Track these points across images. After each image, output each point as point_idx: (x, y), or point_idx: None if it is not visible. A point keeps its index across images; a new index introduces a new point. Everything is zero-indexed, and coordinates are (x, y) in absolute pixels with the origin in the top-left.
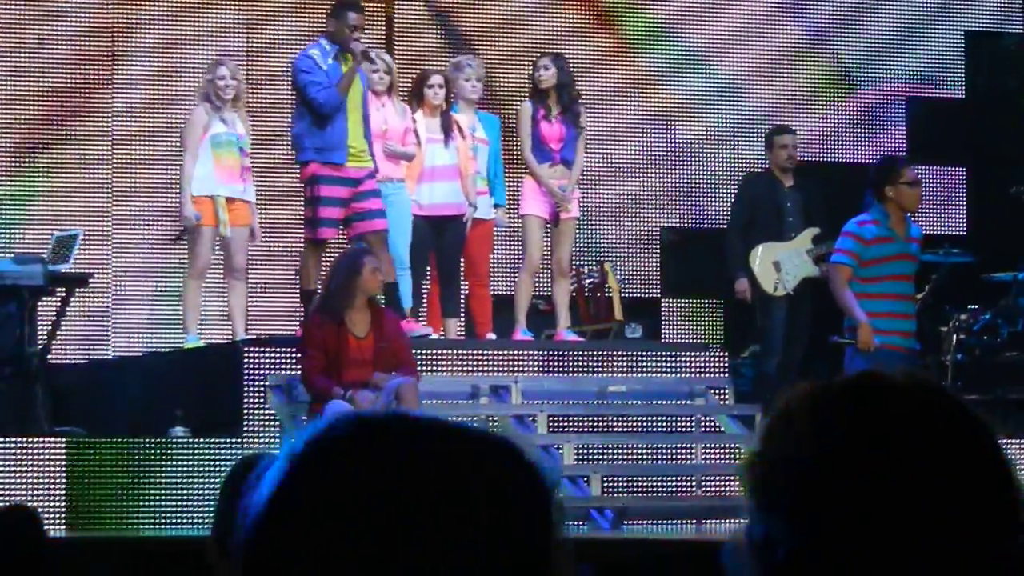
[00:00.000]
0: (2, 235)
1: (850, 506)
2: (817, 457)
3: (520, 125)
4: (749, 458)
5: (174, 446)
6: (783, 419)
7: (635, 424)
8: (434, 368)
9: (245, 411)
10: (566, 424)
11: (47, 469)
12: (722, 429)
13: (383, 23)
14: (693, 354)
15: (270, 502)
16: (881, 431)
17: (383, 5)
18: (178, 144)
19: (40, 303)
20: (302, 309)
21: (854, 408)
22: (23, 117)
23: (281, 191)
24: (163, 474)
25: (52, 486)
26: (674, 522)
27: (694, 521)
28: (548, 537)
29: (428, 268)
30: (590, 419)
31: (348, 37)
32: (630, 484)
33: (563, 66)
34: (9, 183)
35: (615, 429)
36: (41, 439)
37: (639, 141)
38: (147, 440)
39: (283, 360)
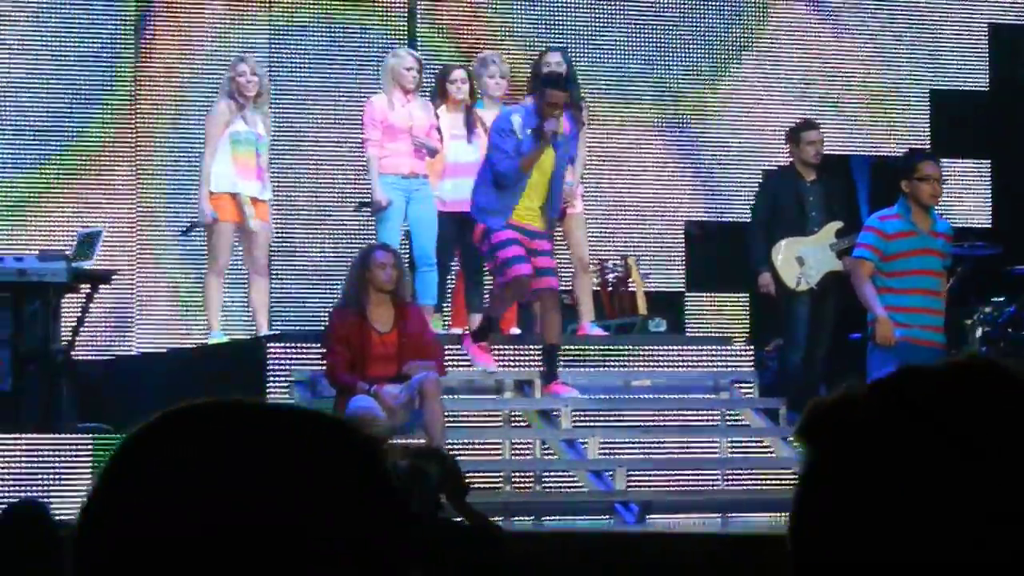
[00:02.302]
0: (26, 232)
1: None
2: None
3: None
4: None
5: None
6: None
7: (659, 418)
8: (458, 363)
9: None
10: (591, 418)
11: (73, 465)
12: (747, 423)
13: (405, 17)
14: (717, 348)
15: (90, 498)
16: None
17: (406, 1)
18: (202, 140)
19: (64, 300)
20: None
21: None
22: (47, 113)
23: (304, 189)
24: None
25: (78, 482)
26: (699, 516)
27: (719, 515)
28: (380, 523)
29: (454, 263)
30: (614, 413)
31: (546, 115)
32: (655, 478)
33: (570, 61)
34: (33, 180)
35: (639, 423)
36: (67, 436)
37: (662, 135)
38: None
39: (307, 356)
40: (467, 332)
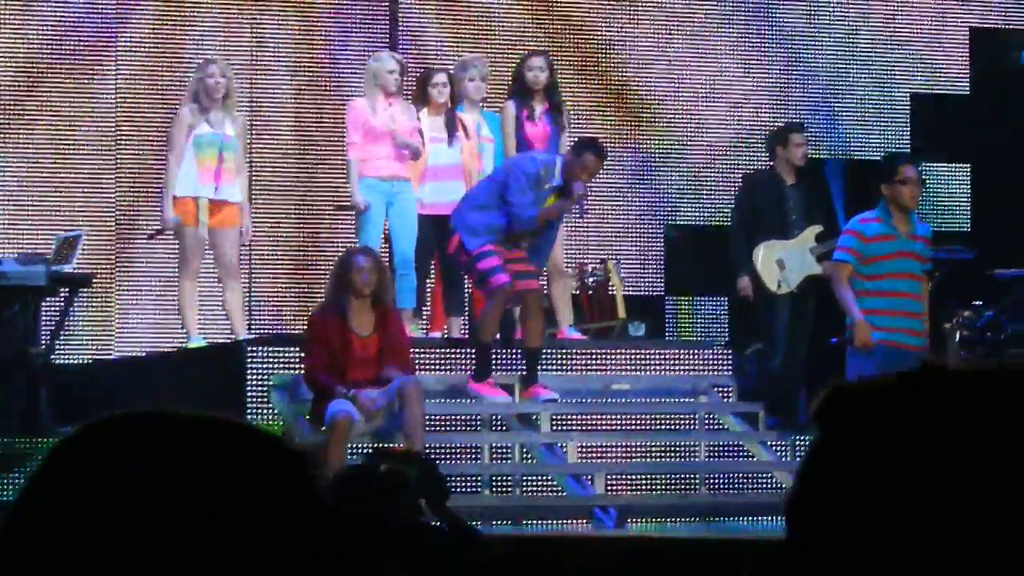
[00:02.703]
0: (5, 235)
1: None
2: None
3: (504, 125)
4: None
5: None
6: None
7: (638, 422)
8: (437, 367)
9: (248, 411)
10: (570, 422)
11: None
12: (726, 427)
13: (387, 21)
14: (696, 352)
15: (13, 507)
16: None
17: (387, 3)
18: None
19: (44, 304)
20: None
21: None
22: (26, 116)
23: (285, 192)
24: None
25: None
26: (678, 520)
27: (698, 519)
28: (298, 530)
29: (432, 267)
30: (594, 417)
31: (576, 176)
32: (634, 482)
33: (552, 65)
34: (13, 183)
35: (619, 427)
36: (46, 439)
37: (642, 138)
38: None
39: (286, 359)
40: (468, 376)
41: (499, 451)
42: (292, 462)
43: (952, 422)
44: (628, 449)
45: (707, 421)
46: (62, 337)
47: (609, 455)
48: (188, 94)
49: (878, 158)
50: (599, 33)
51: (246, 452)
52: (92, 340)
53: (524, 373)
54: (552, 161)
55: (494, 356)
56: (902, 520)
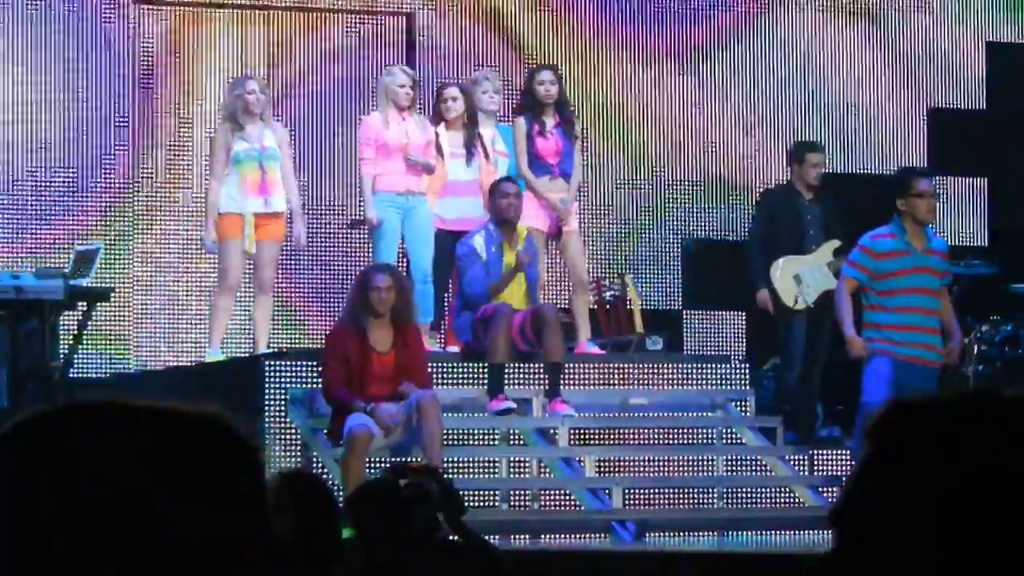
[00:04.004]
0: (24, 249)
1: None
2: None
3: (516, 140)
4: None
5: None
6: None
7: (656, 436)
8: (455, 381)
9: (266, 424)
10: (588, 436)
11: None
12: (743, 441)
13: (403, 37)
14: (714, 366)
15: None
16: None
17: (404, 19)
18: (205, 159)
19: (62, 318)
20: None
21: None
22: (46, 130)
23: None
24: None
25: None
26: (696, 534)
27: (716, 533)
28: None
29: (450, 282)
30: (611, 431)
31: (502, 215)
32: (651, 496)
33: (562, 79)
34: (31, 197)
35: (636, 441)
36: None
37: (660, 153)
38: None
39: (304, 373)
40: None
41: (517, 465)
42: (240, 445)
43: (1003, 443)
44: (646, 463)
45: (725, 435)
46: (80, 351)
47: (627, 469)
48: (223, 113)
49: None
50: (614, 48)
51: (193, 434)
52: (110, 354)
53: (548, 387)
54: (480, 231)
55: (511, 371)
56: (949, 535)
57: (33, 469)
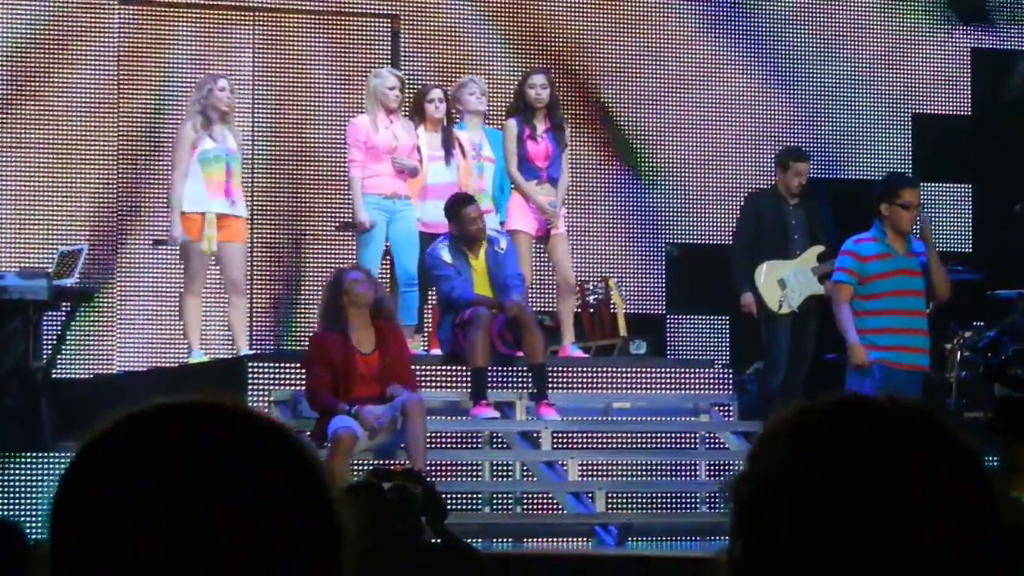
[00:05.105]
0: (7, 250)
1: (827, 531)
2: (796, 481)
3: (506, 143)
4: (735, 479)
5: None
6: (767, 441)
7: (639, 440)
8: (438, 384)
9: None
10: (571, 440)
11: (52, 484)
12: (726, 446)
13: (388, 39)
14: (697, 370)
15: (56, 498)
16: (860, 456)
17: (389, 21)
18: None
19: (45, 318)
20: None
21: (834, 432)
22: (28, 130)
23: (285, 209)
24: None
25: None
26: (678, 539)
27: (698, 538)
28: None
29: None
30: (595, 435)
31: (465, 230)
32: (634, 501)
33: (554, 83)
34: (14, 197)
35: (619, 445)
36: (46, 454)
37: (643, 156)
38: None
39: (287, 375)
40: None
41: (500, 469)
42: (305, 452)
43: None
44: (629, 467)
45: (708, 440)
46: (63, 351)
47: (610, 473)
48: (191, 110)
49: (879, 179)
50: (599, 53)
51: (273, 443)
52: (93, 354)
53: (534, 389)
54: (442, 241)
55: (494, 375)
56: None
57: (167, 471)
